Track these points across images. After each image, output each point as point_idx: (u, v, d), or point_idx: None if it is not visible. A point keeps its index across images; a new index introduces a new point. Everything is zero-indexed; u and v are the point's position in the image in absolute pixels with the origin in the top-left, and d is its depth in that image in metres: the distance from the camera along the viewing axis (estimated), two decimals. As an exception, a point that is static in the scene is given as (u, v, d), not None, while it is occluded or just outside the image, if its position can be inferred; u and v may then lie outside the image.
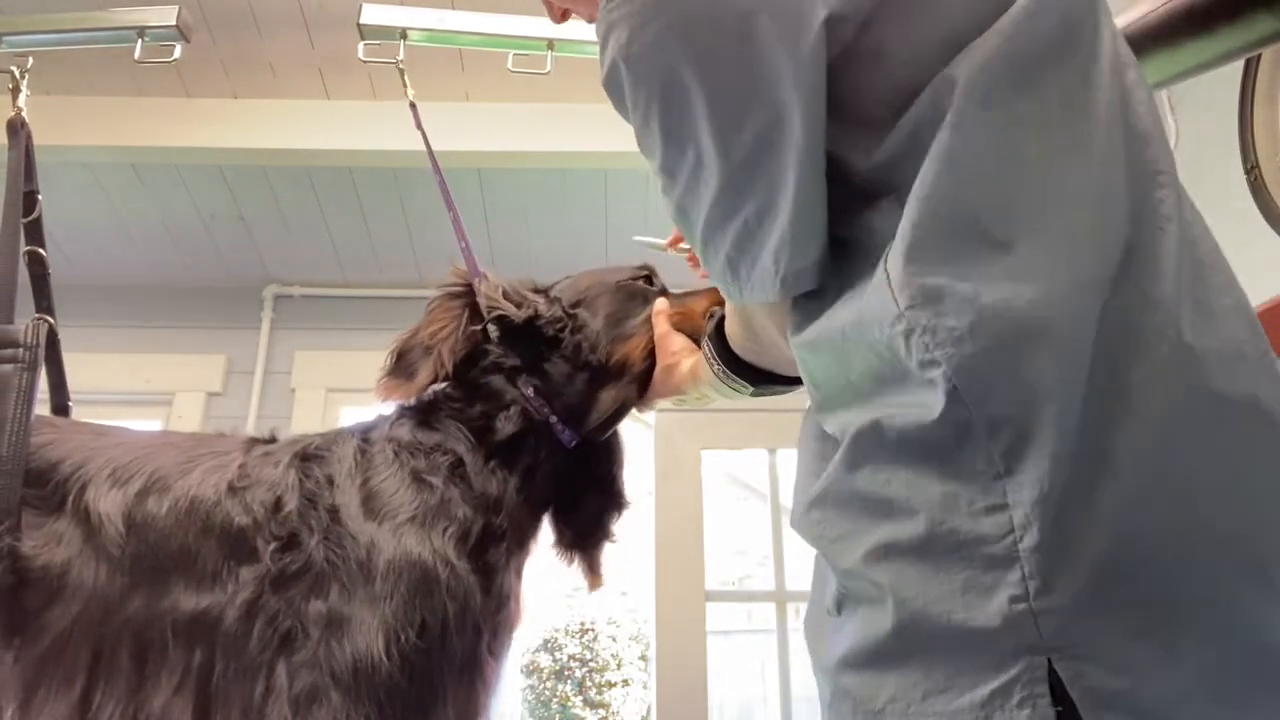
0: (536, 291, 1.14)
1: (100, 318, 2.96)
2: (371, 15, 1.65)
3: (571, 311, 1.11)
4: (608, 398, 1.07)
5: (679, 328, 1.07)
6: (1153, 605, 0.51)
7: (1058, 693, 0.49)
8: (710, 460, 2.97)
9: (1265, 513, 0.54)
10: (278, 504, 0.94)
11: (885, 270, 0.57)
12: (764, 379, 0.89)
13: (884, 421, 0.57)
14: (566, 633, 5.73)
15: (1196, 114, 1.97)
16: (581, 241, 2.88)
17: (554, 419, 1.06)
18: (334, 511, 0.94)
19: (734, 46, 0.61)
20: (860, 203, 0.62)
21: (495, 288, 1.10)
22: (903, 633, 0.54)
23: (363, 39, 1.66)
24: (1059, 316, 0.53)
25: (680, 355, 1.04)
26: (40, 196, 1.25)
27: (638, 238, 1.30)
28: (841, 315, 0.61)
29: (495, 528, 1.00)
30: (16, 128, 1.30)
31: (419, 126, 1.37)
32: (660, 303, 1.11)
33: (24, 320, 1.08)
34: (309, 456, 0.99)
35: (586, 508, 1.12)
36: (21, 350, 1.02)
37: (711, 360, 0.90)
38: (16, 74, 1.40)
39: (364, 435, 1.04)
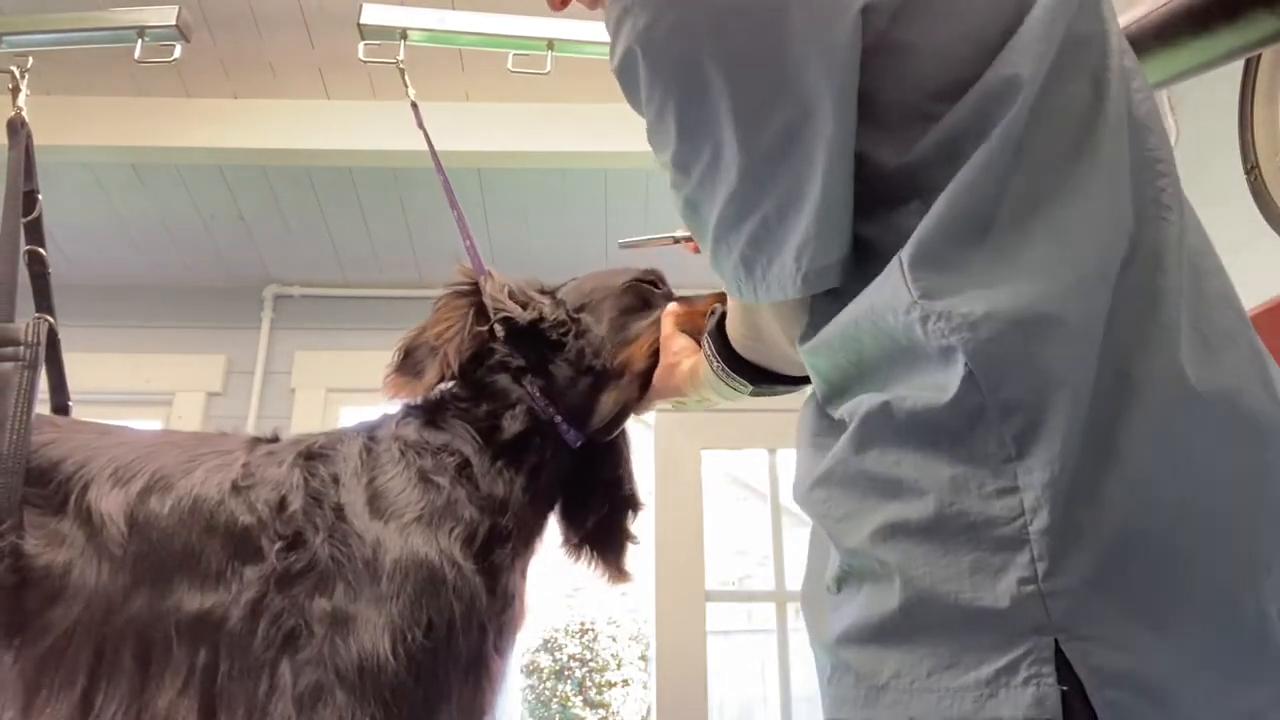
0: (542, 293, 1.13)
1: (100, 318, 2.96)
2: (371, 15, 1.65)
3: (575, 315, 1.11)
4: (609, 400, 1.07)
5: (683, 328, 1.07)
6: (1157, 587, 0.52)
7: (1062, 672, 0.50)
8: (710, 460, 2.98)
9: (1258, 504, 0.56)
10: (282, 503, 0.94)
11: (899, 259, 0.57)
12: (764, 378, 0.88)
13: (894, 404, 0.57)
14: (566, 633, 5.73)
15: (1196, 114, 1.97)
16: (581, 241, 2.88)
17: (559, 418, 1.06)
18: (339, 510, 0.94)
19: (762, 33, 0.58)
20: (884, 201, 0.61)
21: (501, 288, 1.10)
22: (909, 610, 0.55)
23: (363, 39, 1.66)
24: (1071, 308, 0.54)
25: (681, 355, 1.04)
26: (40, 196, 1.25)
27: (624, 241, 1.28)
28: (854, 307, 0.61)
29: (501, 528, 1.00)
30: (17, 127, 1.30)
31: (421, 126, 1.37)
32: (672, 305, 1.10)
33: (24, 319, 1.08)
34: (313, 455, 0.99)
35: (595, 508, 1.12)
36: (22, 348, 1.02)
37: (711, 358, 0.90)
38: (17, 74, 1.40)
39: (369, 434, 1.04)
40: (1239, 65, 1.78)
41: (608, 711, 5.55)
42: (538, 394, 1.06)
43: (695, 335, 1.05)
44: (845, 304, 0.62)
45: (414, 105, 1.43)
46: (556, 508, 1.12)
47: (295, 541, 0.92)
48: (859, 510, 0.59)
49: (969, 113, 0.58)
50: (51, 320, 1.10)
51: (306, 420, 2.92)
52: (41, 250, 1.23)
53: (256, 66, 2.34)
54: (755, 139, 0.60)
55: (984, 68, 0.59)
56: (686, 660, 2.69)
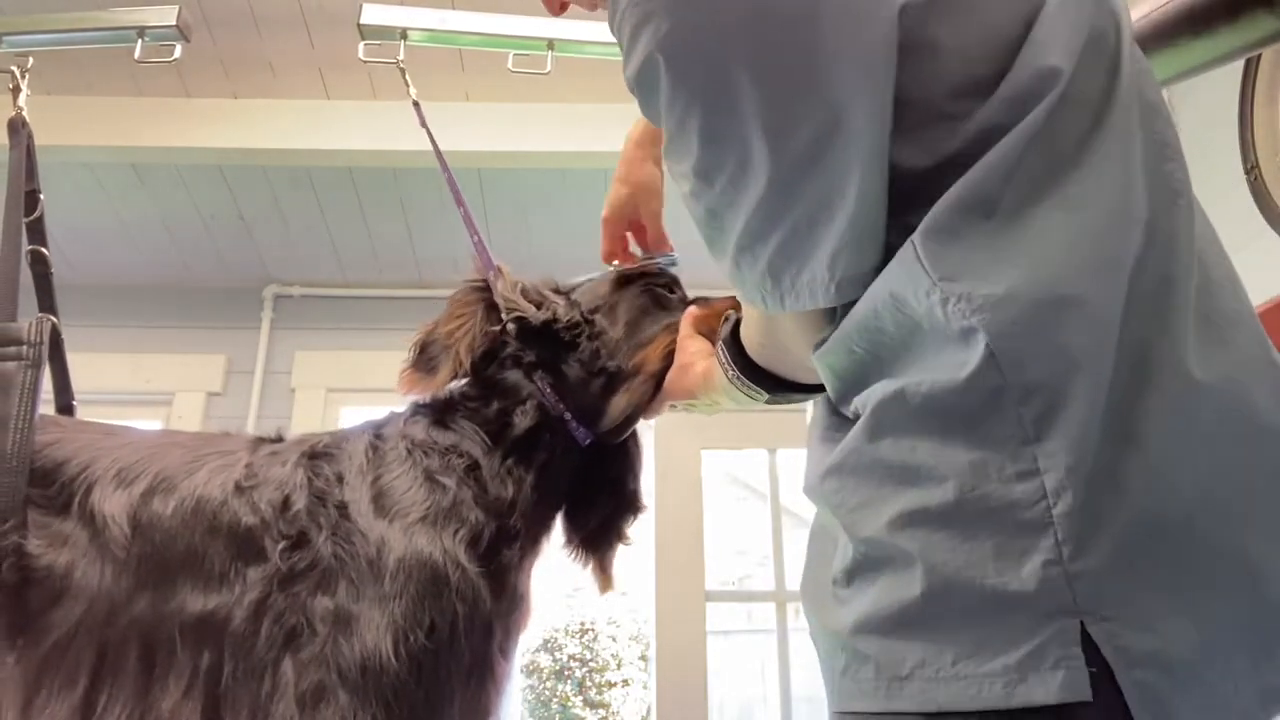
0: (557, 293, 1.13)
1: (100, 318, 2.96)
2: (371, 15, 1.65)
3: (590, 316, 1.10)
4: (621, 401, 1.06)
5: (700, 330, 1.05)
6: (1180, 570, 0.52)
7: (1089, 654, 0.50)
8: (710, 460, 2.98)
9: (1277, 487, 0.56)
10: (286, 502, 0.93)
11: (914, 244, 0.57)
12: (781, 387, 0.86)
13: (909, 389, 0.57)
14: (566, 633, 5.74)
15: (1196, 114, 1.97)
16: (581, 241, 2.87)
17: (568, 416, 1.06)
18: (343, 508, 0.94)
19: (793, 35, 0.57)
20: (910, 206, 0.59)
21: (514, 286, 1.09)
22: (932, 597, 0.54)
23: (363, 39, 1.66)
24: (1091, 290, 0.54)
25: (697, 357, 1.02)
26: (42, 196, 1.25)
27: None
28: (870, 296, 0.60)
29: (509, 528, 1.00)
30: (17, 127, 1.30)
31: (423, 125, 1.37)
32: (692, 307, 1.08)
33: (27, 319, 1.08)
34: (318, 455, 0.99)
35: (599, 509, 1.11)
36: (25, 348, 1.02)
37: (726, 366, 0.87)
38: (17, 74, 1.40)
39: (376, 432, 1.03)
40: (1239, 65, 1.78)
41: (608, 711, 5.55)
42: (548, 390, 1.06)
43: (711, 337, 1.04)
44: None
45: (416, 104, 1.43)
46: (564, 508, 1.11)
47: (299, 541, 0.91)
48: (874, 499, 0.58)
49: (1003, 107, 0.57)
50: (55, 320, 1.10)
51: (306, 420, 2.92)
52: (44, 250, 1.23)
53: (256, 66, 2.34)
54: (785, 145, 0.58)
55: (1007, 63, 0.58)
56: (686, 660, 2.69)
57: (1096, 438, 0.52)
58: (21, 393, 0.98)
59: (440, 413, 1.05)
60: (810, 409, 0.83)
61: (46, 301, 1.21)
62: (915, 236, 0.57)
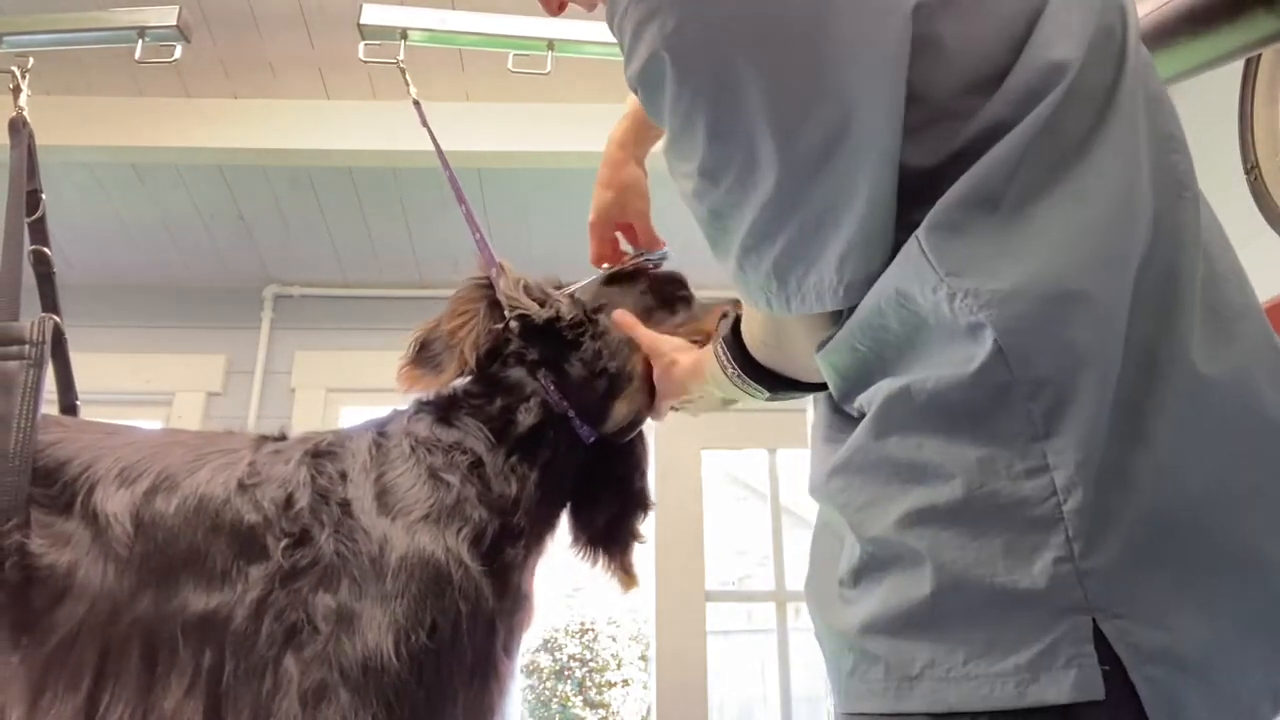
0: (559, 290, 1.13)
1: (100, 318, 2.96)
2: (371, 15, 1.65)
3: (593, 315, 1.10)
4: (622, 406, 1.06)
5: (689, 336, 1.05)
6: (1190, 565, 0.52)
7: (1101, 651, 0.50)
8: (710, 460, 2.98)
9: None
10: (289, 500, 0.93)
11: (918, 239, 0.56)
12: (782, 384, 0.85)
13: (915, 386, 0.56)
14: (566, 633, 5.73)
15: (1196, 114, 1.97)
16: (581, 241, 2.88)
17: (571, 413, 1.06)
18: (346, 505, 0.94)
19: (803, 32, 0.56)
20: (915, 204, 0.58)
21: (517, 283, 1.09)
22: (942, 596, 0.54)
23: (363, 39, 1.66)
24: (1097, 285, 0.54)
25: (677, 353, 1.02)
26: (44, 196, 1.26)
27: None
28: (875, 293, 0.59)
29: (513, 527, 1.00)
30: (18, 127, 1.30)
31: (425, 124, 1.37)
32: (621, 312, 1.09)
33: (29, 318, 1.08)
34: (321, 453, 0.99)
35: (605, 507, 1.11)
36: (27, 347, 1.02)
37: (726, 364, 0.87)
38: (17, 74, 1.40)
39: (380, 430, 1.03)
40: (1239, 65, 1.78)
41: (608, 711, 5.55)
42: (552, 388, 1.05)
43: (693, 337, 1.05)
44: None
45: (417, 103, 1.43)
46: (569, 506, 1.11)
47: (301, 539, 0.91)
48: (881, 497, 0.58)
49: (1009, 103, 0.57)
50: (57, 319, 1.10)
51: (306, 420, 2.92)
52: (46, 250, 1.23)
53: (256, 66, 2.34)
54: (794, 144, 0.57)
55: (1012, 59, 0.58)
56: (686, 660, 2.69)
57: (1105, 434, 0.52)
58: (24, 392, 0.98)
59: (444, 410, 1.05)
60: (811, 409, 0.83)
61: (49, 301, 1.21)
62: (920, 232, 0.56)
